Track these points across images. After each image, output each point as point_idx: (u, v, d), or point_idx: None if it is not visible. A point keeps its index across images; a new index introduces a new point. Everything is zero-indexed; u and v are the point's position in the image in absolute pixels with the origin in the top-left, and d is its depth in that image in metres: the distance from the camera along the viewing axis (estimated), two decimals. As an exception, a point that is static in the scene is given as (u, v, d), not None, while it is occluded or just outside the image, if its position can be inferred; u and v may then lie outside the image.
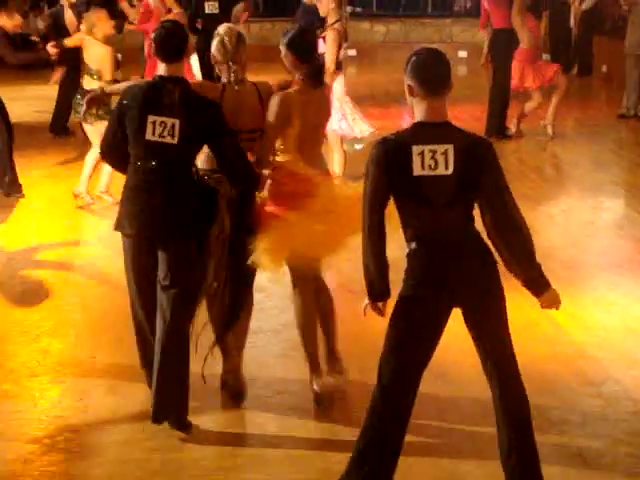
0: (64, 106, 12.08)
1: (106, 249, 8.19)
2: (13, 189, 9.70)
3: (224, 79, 5.31)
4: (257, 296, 6.88)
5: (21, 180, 9.76)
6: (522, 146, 12.08)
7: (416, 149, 3.98)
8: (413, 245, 4.11)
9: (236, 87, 5.26)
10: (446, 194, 4.02)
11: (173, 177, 4.96)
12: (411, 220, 4.11)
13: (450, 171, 3.99)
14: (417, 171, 3.98)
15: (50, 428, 5.16)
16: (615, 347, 6.11)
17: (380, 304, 4.18)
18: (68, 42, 9.75)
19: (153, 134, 4.91)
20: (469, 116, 12.95)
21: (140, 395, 5.46)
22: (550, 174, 10.74)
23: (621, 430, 5.09)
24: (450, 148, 4.00)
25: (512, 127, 12.28)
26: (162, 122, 4.89)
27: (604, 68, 16.67)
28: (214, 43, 5.31)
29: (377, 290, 4.15)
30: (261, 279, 7.24)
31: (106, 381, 5.68)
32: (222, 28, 5.35)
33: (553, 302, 4.38)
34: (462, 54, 19.95)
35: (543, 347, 6.11)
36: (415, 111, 4.12)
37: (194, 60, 12.26)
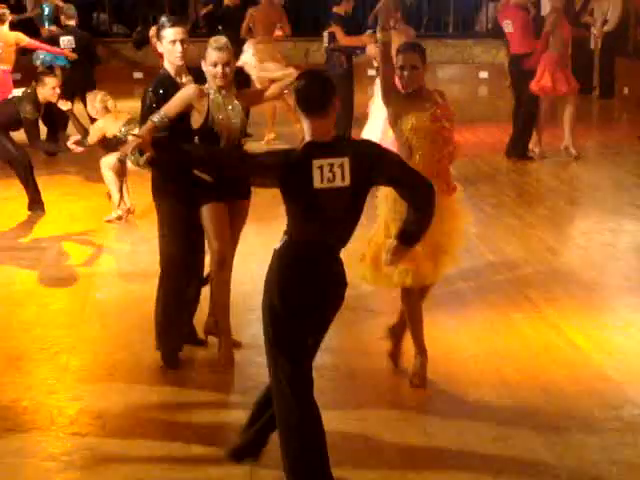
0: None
1: (127, 266, 8.23)
2: (34, 206, 9.81)
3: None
4: (275, 315, 6.93)
5: (43, 198, 9.87)
6: (542, 167, 12.06)
7: (316, 163, 4.26)
8: (286, 239, 4.42)
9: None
10: (341, 205, 4.33)
11: None
12: (300, 224, 4.40)
13: (347, 183, 4.28)
14: (317, 184, 4.25)
15: (67, 445, 5.16)
16: (635, 370, 6.07)
17: None
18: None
19: None
20: (489, 136, 12.97)
21: (159, 414, 5.47)
22: (570, 196, 10.70)
23: (639, 455, 5.06)
24: (346, 161, 4.28)
25: (536, 150, 12.23)
26: None
27: (626, 90, 16.63)
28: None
29: None
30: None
31: (124, 399, 5.68)
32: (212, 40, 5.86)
33: (401, 256, 4.63)
34: (483, 75, 19.97)
35: (562, 370, 6.08)
36: (304, 130, 4.39)
37: None
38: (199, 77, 5.89)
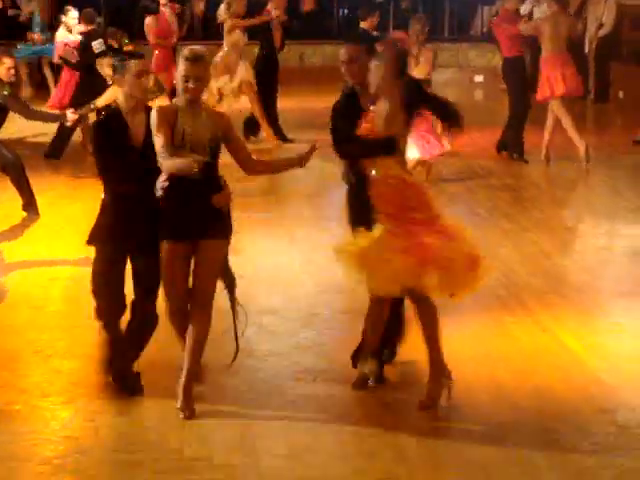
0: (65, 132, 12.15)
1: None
2: (28, 209, 9.77)
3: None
4: (269, 318, 6.94)
5: (37, 200, 9.83)
6: (537, 171, 12.06)
7: None
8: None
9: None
10: None
11: None
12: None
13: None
14: None
15: (60, 449, 5.16)
16: (628, 374, 6.07)
17: None
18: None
19: None
20: (484, 140, 12.93)
21: (152, 417, 5.47)
22: (565, 199, 10.72)
23: (633, 459, 5.05)
24: None
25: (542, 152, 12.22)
26: None
27: (621, 94, 16.64)
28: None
29: None
30: (272, 301, 7.30)
31: (117, 402, 5.67)
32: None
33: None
34: (478, 78, 19.98)
35: (556, 373, 6.08)
36: None
37: None
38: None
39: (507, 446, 5.19)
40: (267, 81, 13.27)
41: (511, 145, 12.28)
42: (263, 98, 13.12)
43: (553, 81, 11.89)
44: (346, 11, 21.87)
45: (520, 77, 12.21)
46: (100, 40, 12.40)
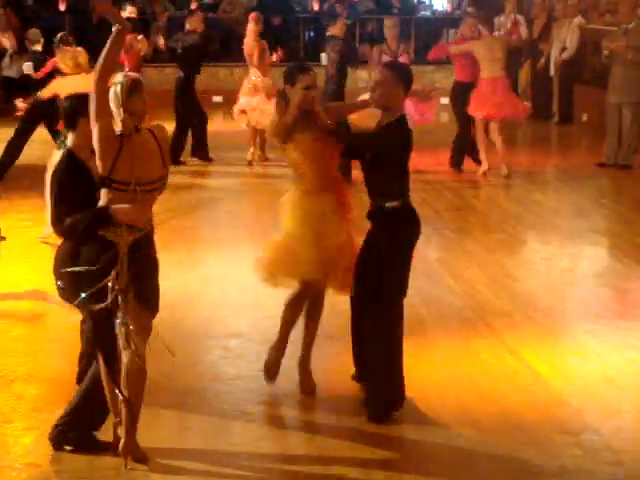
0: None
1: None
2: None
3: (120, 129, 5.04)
4: (235, 342, 6.90)
5: (1, 223, 9.70)
6: (502, 193, 12.14)
7: None
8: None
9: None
10: None
11: None
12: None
13: None
14: None
15: (22, 476, 5.08)
16: (594, 396, 6.09)
17: None
18: (43, 95, 9.65)
19: None
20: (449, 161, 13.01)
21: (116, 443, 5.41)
22: (530, 221, 10.76)
23: (599, 481, 5.07)
24: None
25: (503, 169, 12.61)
26: None
27: (584, 117, 16.79)
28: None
29: None
30: (239, 324, 7.27)
31: (81, 428, 5.60)
32: (118, 77, 5.08)
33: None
34: (444, 101, 20.04)
35: (521, 396, 6.09)
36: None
37: None
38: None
39: (473, 469, 5.18)
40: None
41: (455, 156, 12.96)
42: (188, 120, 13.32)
43: (485, 102, 12.37)
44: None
45: (466, 101, 12.65)
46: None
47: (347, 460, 5.25)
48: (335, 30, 12.82)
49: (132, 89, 5.02)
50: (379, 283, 5.65)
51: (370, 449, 5.38)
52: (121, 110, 4.99)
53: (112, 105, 4.99)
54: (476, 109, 12.45)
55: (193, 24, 13.40)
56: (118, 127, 5.01)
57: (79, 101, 5.19)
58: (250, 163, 13.50)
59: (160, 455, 5.26)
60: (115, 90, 5.00)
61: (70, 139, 5.27)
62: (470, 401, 5.99)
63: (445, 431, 5.59)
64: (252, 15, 13.83)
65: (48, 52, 12.75)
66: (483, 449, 5.38)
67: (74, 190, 5.09)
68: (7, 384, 6.27)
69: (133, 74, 5.25)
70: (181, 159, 13.27)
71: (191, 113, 13.49)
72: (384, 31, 13.67)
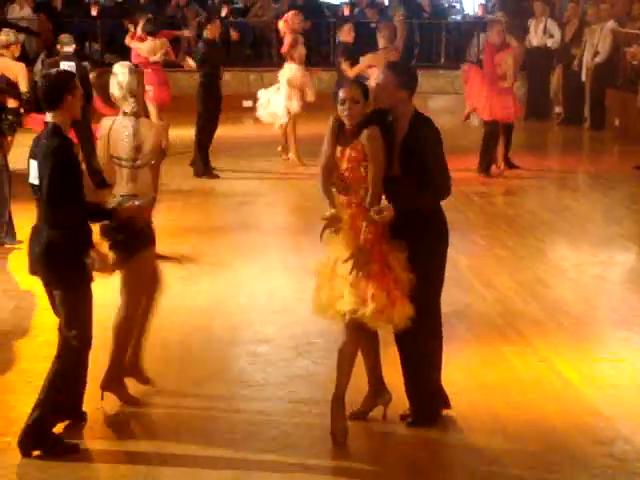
0: None
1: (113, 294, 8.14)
2: (9, 238, 9.58)
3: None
4: (263, 348, 6.88)
5: (18, 229, 9.61)
6: (533, 198, 12.05)
7: None
8: None
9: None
10: None
11: None
12: None
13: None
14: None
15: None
16: (625, 405, 6.02)
17: None
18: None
19: None
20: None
21: (141, 443, 5.41)
22: (561, 227, 10.68)
23: (631, 491, 5.01)
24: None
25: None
26: None
27: (617, 122, 16.66)
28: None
29: None
30: (267, 330, 7.24)
31: (109, 433, 5.62)
32: (116, 67, 5.84)
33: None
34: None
35: (552, 404, 6.03)
36: None
37: None
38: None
39: (501, 476, 5.13)
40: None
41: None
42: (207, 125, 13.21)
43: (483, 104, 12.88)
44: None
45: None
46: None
47: (374, 468, 5.22)
48: (342, 35, 12.84)
49: (132, 72, 5.78)
50: (427, 298, 5.54)
51: (398, 453, 5.34)
52: (127, 95, 5.72)
53: (116, 92, 5.75)
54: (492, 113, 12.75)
55: (211, 33, 13.32)
56: (126, 109, 5.76)
57: (64, 77, 5.40)
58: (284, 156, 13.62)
59: (187, 461, 5.25)
60: (117, 79, 5.74)
61: (53, 116, 5.35)
62: (499, 408, 5.94)
63: (474, 438, 5.54)
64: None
65: (80, 55, 12.86)
66: (513, 457, 5.33)
67: (73, 167, 5.35)
68: (36, 389, 6.24)
69: (127, 63, 6.01)
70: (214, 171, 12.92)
71: (213, 119, 13.27)
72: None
